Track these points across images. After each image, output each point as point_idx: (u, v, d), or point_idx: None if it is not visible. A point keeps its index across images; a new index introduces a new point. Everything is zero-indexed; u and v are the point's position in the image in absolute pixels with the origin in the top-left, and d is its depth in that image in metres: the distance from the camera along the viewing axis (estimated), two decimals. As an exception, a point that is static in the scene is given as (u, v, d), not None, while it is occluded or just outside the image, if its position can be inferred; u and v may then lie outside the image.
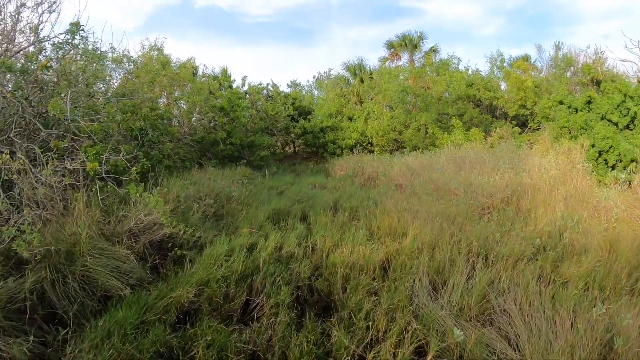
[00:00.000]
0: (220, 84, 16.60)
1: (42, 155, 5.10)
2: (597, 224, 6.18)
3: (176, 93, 13.89)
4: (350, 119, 20.60)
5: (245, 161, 13.43)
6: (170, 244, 5.21)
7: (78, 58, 7.24)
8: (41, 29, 6.61)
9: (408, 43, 25.27)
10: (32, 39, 6.56)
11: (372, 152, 18.27)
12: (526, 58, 23.24)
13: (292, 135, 19.77)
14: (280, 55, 61.46)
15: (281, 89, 19.96)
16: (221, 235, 5.58)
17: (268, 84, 19.09)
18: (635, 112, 13.38)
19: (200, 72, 18.71)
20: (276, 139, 18.55)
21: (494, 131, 16.55)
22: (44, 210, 4.82)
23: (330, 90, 22.80)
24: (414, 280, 4.26)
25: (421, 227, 5.72)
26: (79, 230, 4.43)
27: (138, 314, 3.59)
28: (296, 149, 22.44)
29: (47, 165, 4.90)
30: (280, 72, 67.31)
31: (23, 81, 5.85)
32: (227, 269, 4.35)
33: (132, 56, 11.67)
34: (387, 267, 4.85)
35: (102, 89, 8.48)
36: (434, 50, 25.12)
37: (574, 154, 10.12)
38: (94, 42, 7.86)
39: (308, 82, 28.88)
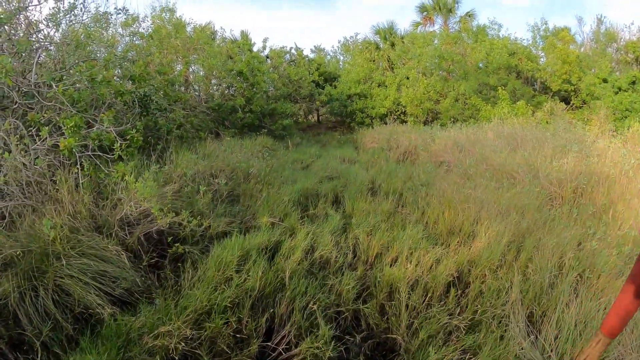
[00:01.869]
0: (239, 48, 15.31)
1: (26, 132, 4.22)
2: None
3: (194, 58, 12.75)
4: (380, 85, 18.95)
5: (266, 130, 12.30)
6: (170, 238, 4.04)
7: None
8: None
9: (442, 6, 23.43)
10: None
11: (405, 122, 16.71)
12: (566, 29, 21.24)
13: (317, 103, 18.42)
14: (302, 23, 59.71)
15: (304, 54, 18.66)
16: (235, 225, 4.42)
17: (291, 48, 17.83)
18: None
19: (219, 37, 17.53)
20: (299, 106, 17.31)
21: (543, 106, 14.95)
22: (25, 198, 3.77)
23: (358, 55, 21.05)
24: (507, 314, 3.00)
25: (491, 224, 4.40)
26: (57, 222, 3.41)
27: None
28: (320, 118, 21.17)
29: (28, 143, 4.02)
30: (301, 38, 65.59)
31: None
32: (239, 290, 3.14)
33: (139, 15, 10.49)
34: (456, 283, 3.59)
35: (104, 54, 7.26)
36: (469, 16, 23.21)
37: None
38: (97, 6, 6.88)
39: (333, 47, 27.33)
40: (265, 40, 16.71)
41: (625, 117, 13.73)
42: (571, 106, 16.80)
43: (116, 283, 3.30)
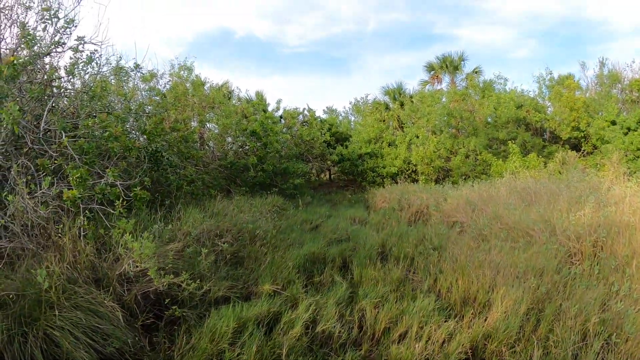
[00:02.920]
0: (254, 108, 15.63)
1: (35, 175, 4.33)
2: None
3: (209, 116, 13.03)
4: (391, 144, 19.05)
5: (277, 189, 12.22)
6: (168, 299, 3.88)
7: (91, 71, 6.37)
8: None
9: (449, 65, 24.08)
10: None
11: (416, 181, 16.62)
12: (570, 76, 21.43)
13: (329, 162, 18.46)
14: (316, 83, 62.07)
15: (317, 115, 18.98)
16: (236, 289, 4.25)
17: (304, 109, 18.23)
18: None
19: (235, 96, 17.98)
20: (311, 165, 17.38)
21: (554, 156, 14.84)
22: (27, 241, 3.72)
23: (369, 115, 21.31)
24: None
25: (508, 291, 4.14)
26: (54, 270, 3.34)
27: None
28: (332, 176, 21.20)
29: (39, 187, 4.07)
30: (315, 100, 68.00)
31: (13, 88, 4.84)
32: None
33: (157, 71, 10.79)
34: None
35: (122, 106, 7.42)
36: (476, 72, 23.79)
37: None
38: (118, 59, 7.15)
39: (344, 108, 27.87)
40: (279, 102, 17.11)
41: (638, 157, 13.76)
42: (582, 153, 16.73)
43: (107, 341, 3.19)
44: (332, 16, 64.64)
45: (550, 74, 20.43)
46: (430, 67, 25.27)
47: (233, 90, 18.53)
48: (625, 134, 14.69)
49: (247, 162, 11.68)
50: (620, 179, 9.63)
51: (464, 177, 15.10)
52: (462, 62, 24.14)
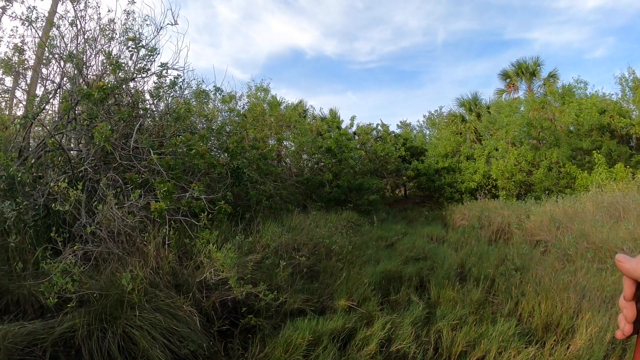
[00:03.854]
0: (328, 125, 15.91)
1: (123, 187, 4.72)
2: None
3: (286, 134, 13.46)
4: (469, 158, 18.56)
5: (352, 205, 12.31)
6: (245, 308, 4.03)
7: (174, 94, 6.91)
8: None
9: (524, 71, 23.09)
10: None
11: (497, 196, 16.02)
12: None
13: (404, 177, 18.32)
14: (387, 98, 62.38)
15: (390, 129, 18.94)
16: (312, 303, 4.32)
17: (377, 125, 18.27)
18: None
19: (309, 114, 18.39)
20: (386, 181, 17.29)
21: None
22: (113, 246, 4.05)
23: (444, 128, 21.05)
24: None
25: (593, 317, 3.91)
26: (137, 274, 3.59)
27: None
28: (407, 192, 20.94)
29: (126, 199, 4.46)
30: (388, 115, 67.88)
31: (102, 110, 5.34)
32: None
33: (235, 93, 11.35)
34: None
35: (204, 126, 7.90)
36: (553, 77, 22.54)
37: None
38: (199, 82, 7.73)
39: (418, 122, 27.61)
40: (352, 118, 17.33)
41: None
42: None
43: (183, 343, 3.34)
44: (400, 30, 64.68)
45: (634, 73, 18.64)
46: (505, 75, 24.37)
47: (307, 109, 19.00)
48: None
49: (323, 178, 11.93)
50: None
51: (547, 191, 14.34)
52: (538, 67, 23.01)
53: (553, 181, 15.23)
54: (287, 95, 62.36)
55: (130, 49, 6.16)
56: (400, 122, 26.84)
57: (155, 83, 6.45)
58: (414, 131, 25.60)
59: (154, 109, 6.65)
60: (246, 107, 12.89)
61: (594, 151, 14.85)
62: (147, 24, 7.73)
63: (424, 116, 26.13)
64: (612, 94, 19.19)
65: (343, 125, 17.81)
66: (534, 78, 23.17)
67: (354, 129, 17.57)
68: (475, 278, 5.67)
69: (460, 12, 63.78)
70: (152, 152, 4.94)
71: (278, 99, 15.03)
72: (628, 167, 14.13)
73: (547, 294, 4.61)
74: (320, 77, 68.19)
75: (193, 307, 3.71)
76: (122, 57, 6.32)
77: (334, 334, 3.75)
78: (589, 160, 15.21)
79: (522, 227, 9.20)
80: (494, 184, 16.91)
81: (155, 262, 4.03)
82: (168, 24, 6.29)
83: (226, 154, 6.88)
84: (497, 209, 11.40)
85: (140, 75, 6.26)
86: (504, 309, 4.63)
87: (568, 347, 3.59)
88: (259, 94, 14.43)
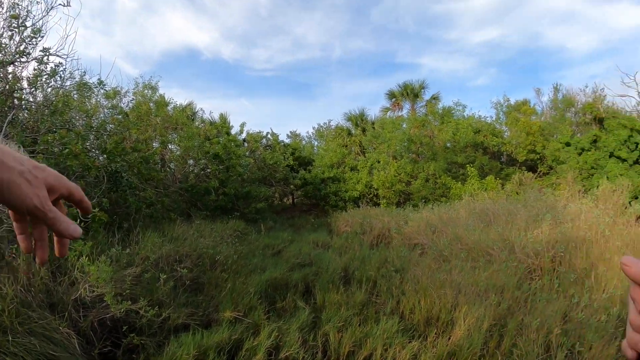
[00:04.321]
0: (217, 130, 15.49)
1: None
2: None
3: (172, 137, 12.82)
4: (353, 169, 19.30)
5: (239, 214, 12.07)
6: (126, 326, 3.73)
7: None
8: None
9: (409, 92, 24.77)
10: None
11: (378, 204, 16.71)
12: (526, 102, 22.53)
13: (291, 186, 18.43)
14: (280, 107, 62.82)
15: (280, 138, 19.02)
16: (197, 317, 4.13)
17: (267, 133, 18.18)
18: None
19: (198, 117, 17.85)
20: (274, 190, 17.30)
21: (512, 177, 15.46)
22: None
23: (331, 141, 21.70)
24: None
25: (470, 310, 4.19)
26: (7, 292, 3.18)
27: None
28: (295, 200, 21.14)
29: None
30: (280, 124, 68.68)
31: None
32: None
33: (121, 88, 10.63)
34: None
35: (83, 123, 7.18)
36: (435, 99, 24.59)
37: (615, 196, 9.10)
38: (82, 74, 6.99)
39: (308, 133, 28.06)
40: (242, 125, 16.95)
41: (592, 175, 14.49)
42: (538, 173, 17.43)
43: None
44: (299, 42, 65.85)
45: (508, 100, 21.62)
46: (391, 95, 25.88)
47: (197, 112, 18.36)
48: (580, 154, 15.55)
49: (209, 186, 11.51)
50: (575, 197, 10.05)
51: (424, 200, 15.33)
52: (423, 90, 24.93)
53: (430, 191, 16.34)
54: (178, 95, 60.33)
55: (12, 27, 5.47)
56: (290, 132, 27.10)
57: (35, 70, 5.77)
58: (303, 142, 25.95)
59: (31, 100, 5.96)
60: (131, 104, 12.10)
61: (467, 165, 16.38)
62: (37, 2, 6.81)
63: (314, 128, 26.71)
64: (488, 117, 21.93)
65: (233, 132, 17.40)
66: (417, 99, 24.96)
67: (243, 135, 17.31)
68: (359, 280, 5.84)
69: (359, 32, 66.68)
70: (22, 149, 4.41)
71: (166, 98, 14.22)
72: (498, 179, 15.78)
73: (425, 292, 4.85)
74: (214, 80, 66.99)
75: (70, 328, 3.37)
76: (4, 36, 5.58)
77: (220, 346, 3.61)
78: (462, 173, 16.67)
79: (401, 232, 9.61)
80: (376, 193, 17.63)
81: (27, 278, 3.59)
82: (60, 4, 5.67)
83: (104, 156, 6.39)
84: (378, 216, 11.81)
85: (19, 60, 5.59)
86: (386, 308, 4.79)
87: (449, 338, 3.80)
88: (146, 91, 13.55)
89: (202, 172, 12.67)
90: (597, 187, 10.36)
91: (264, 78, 66.34)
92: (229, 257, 6.37)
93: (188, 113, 16.00)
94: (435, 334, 3.99)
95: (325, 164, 19.37)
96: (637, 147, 14.48)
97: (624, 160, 14.58)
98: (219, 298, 4.87)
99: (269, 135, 18.19)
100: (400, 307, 4.83)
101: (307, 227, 13.19)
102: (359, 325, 4.16)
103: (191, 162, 12.72)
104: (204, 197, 11.61)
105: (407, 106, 25.50)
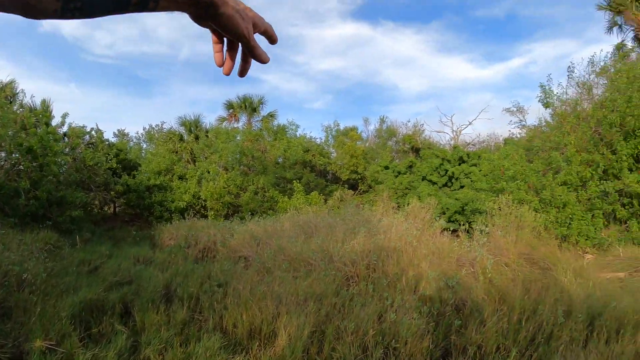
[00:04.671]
0: (37, 119, 13.57)
1: None
2: (473, 278, 6.47)
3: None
4: (181, 178, 18.68)
5: (51, 222, 10.94)
6: None
7: None
8: None
9: (248, 105, 25.27)
10: None
11: (206, 216, 16.49)
12: (354, 129, 25.04)
13: (113, 193, 16.81)
14: (113, 101, 57.73)
15: (106, 136, 17.61)
16: (6, 348, 3.80)
17: (92, 129, 16.61)
18: (452, 173, 17.33)
19: (18, 101, 15.61)
20: (93, 195, 15.73)
21: (333, 194, 16.97)
22: None
23: (162, 145, 20.76)
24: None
25: (290, 319, 4.47)
26: None
27: None
28: (117, 209, 19.65)
29: None
30: (109, 120, 63.66)
31: None
32: None
33: None
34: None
35: None
36: (271, 115, 25.49)
37: (423, 212, 10.40)
38: None
39: (137, 134, 26.36)
40: (64, 116, 14.91)
41: (406, 194, 16.79)
42: (359, 191, 19.91)
43: None
44: (147, 33, 61.33)
45: (338, 125, 24.36)
46: (229, 105, 26.04)
47: (18, 93, 16.02)
48: (396, 176, 18.25)
49: (19, 186, 10.26)
50: (389, 212, 11.35)
51: (251, 212, 15.69)
52: (261, 105, 25.79)
53: (258, 203, 16.84)
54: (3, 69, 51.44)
55: None
56: (119, 130, 25.27)
57: None
58: (131, 143, 24.42)
59: None
60: None
61: (295, 180, 17.39)
62: None
63: (144, 129, 24.97)
64: (318, 138, 24.08)
65: (54, 123, 15.09)
66: (255, 113, 25.54)
67: (65, 128, 15.18)
68: (180, 298, 5.72)
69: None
70: None
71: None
72: (322, 194, 17.18)
73: (246, 305, 4.96)
74: (48, 57, 58.49)
75: None
76: None
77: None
78: (290, 188, 17.61)
79: (226, 245, 9.73)
80: (204, 205, 17.41)
81: None
82: None
83: None
84: (204, 228, 11.71)
85: None
86: (209, 325, 4.81)
87: (272, 349, 4.03)
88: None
89: (13, 168, 11.19)
90: (408, 204, 11.78)
91: (101, 65, 59.70)
92: (37, 276, 5.75)
93: (8, 93, 14.04)
94: (258, 345, 4.17)
95: (152, 170, 18.45)
96: (446, 173, 17.58)
97: (434, 183, 17.53)
98: (29, 325, 4.39)
99: (93, 132, 16.69)
100: (224, 322, 4.88)
101: (128, 240, 12.44)
102: (181, 345, 4.12)
103: (3, 154, 11.20)
104: (12, 200, 10.32)
105: (243, 119, 25.98)
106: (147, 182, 17.53)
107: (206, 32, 0.93)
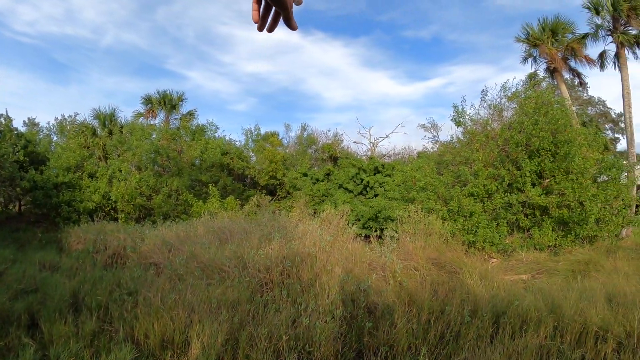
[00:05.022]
0: None
1: None
2: (384, 281, 6.75)
3: None
4: (91, 176, 17.71)
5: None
6: None
7: None
8: None
9: (167, 102, 24.39)
10: None
11: (116, 219, 15.85)
12: (275, 134, 25.18)
13: (18, 189, 15.71)
14: (28, 85, 52.98)
15: (15, 124, 16.29)
16: None
17: (1, 115, 15.36)
18: (367, 182, 18.13)
19: None
20: (-4, 192, 14.50)
21: (250, 199, 16.88)
22: None
23: (73, 138, 19.57)
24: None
25: (203, 327, 4.41)
26: None
27: None
28: (22, 208, 18.22)
29: None
30: (21, 106, 58.38)
31: None
32: None
33: None
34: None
35: None
36: (191, 114, 24.76)
37: (337, 219, 10.77)
38: None
39: (49, 124, 24.50)
40: None
41: (323, 201, 17.40)
42: (277, 197, 20.02)
43: None
44: (73, 14, 56.64)
45: (259, 129, 24.24)
46: (148, 100, 24.94)
47: None
48: (314, 183, 18.69)
49: None
50: (305, 218, 11.60)
51: (164, 216, 15.27)
52: (181, 102, 24.81)
53: (171, 207, 16.42)
54: None
55: None
56: (29, 119, 23.43)
57: None
58: (41, 134, 22.80)
59: None
60: None
61: (210, 184, 17.12)
62: None
63: (57, 119, 23.08)
64: (237, 141, 23.77)
65: None
66: (174, 111, 24.68)
67: None
68: (89, 307, 5.48)
69: (138, 26, 61.36)
70: None
71: None
72: (239, 199, 17.11)
73: (157, 314, 4.84)
74: None
75: None
76: None
77: None
78: (205, 191, 17.32)
79: (137, 250, 9.37)
80: (114, 206, 16.69)
81: None
82: None
83: None
84: (114, 232, 11.23)
85: None
86: (119, 336, 4.65)
87: (186, 359, 4.00)
88: None
89: None
90: (323, 211, 12.08)
91: (19, 44, 54.79)
92: None
93: None
94: (171, 356, 4.12)
95: (61, 166, 17.37)
96: (362, 182, 18.40)
97: (350, 191, 18.28)
98: None
99: (2, 119, 15.44)
100: (135, 332, 4.72)
101: (34, 244, 11.70)
102: (91, 358, 4.01)
103: None
104: None
105: (162, 116, 24.94)
106: (56, 179, 16.45)
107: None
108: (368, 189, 18.36)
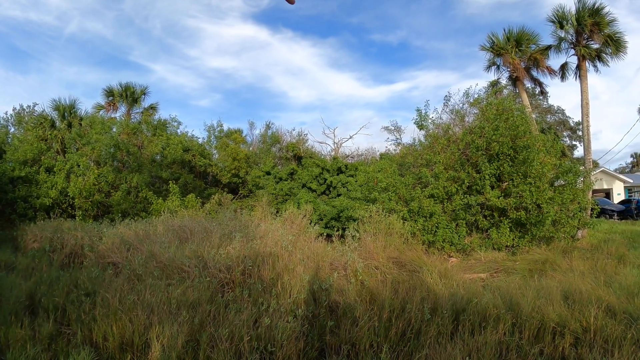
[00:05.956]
0: None
1: None
2: (345, 280, 6.83)
3: None
4: (48, 170, 17.10)
5: None
6: None
7: None
8: None
9: (129, 95, 23.90)
10: None
11: (74, 216, 15.41)
12: (239, 131, 24.99)
13: None
14: None
15: None
16: None
17: None
18: (331, 182, 18.38)
19: None
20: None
21: (212, 197, 16.74)
22: None
23: (31, 130, 18.91)
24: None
25: (163, 329, 4.39)
26: None
27: None
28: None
29: None
30: None
31: None
32: None
33: None
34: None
35: None
36: (153, 108, 24.37)
37: (299, 219, 10.91)
38: None
39: (6, 114, 23.49)
40: None
41: (286, 201, 17.35)
42: (239, 196, 19.89)
43: None
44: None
45: (222, 126, 23.97)
46: (109, 92, 24.38)
47: None
48: (277, 182, 18.68)
49: None
50: (268, 218, 11.65)
51: (123, 214, 14.94)
52: (144, 96, 24.40)
53: (130, 204, 16.09)
54: None
55: None
56: None
57: None
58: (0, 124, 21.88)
59: None
60: None
61: (171, 181, 16.83)
62: None
63: (14, 109, 22.14)
64: (200, 138, 23.40)
65: None
66: (136, 104, 24.20)
67: None
68: (46, 309, 5.38)
69: (104, 15, 59.17)
70: None
71: None
72: (200, 198, 16.87)
73: (116, 316, 4.79)
74: None
75: None
76: None
77: None
78: (166, 189, 17.00)
79: (95, 249, 9.16)
80: (71, 203, 16.22)
81: None
82: None
83: None
84: (71, 230, 10.93)
85: None
86: (77, 339, 4.59)
87: None
88: None
89: None
90: (286, 210, 12.12)
91: None
92: None
93: None
94: (131, 359, 4.10)
95: (17, 159, 16.75)
96: (325, 182, 18.62)
97: (313, 190, 18.42)
98: None
99: None
100: (93, 335, 4.66)
101: (-12, 243, 11.15)
102: None
103: None
104: None
105: (123, 109, 24.40)
106: (12, 172, 15.89)
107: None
108: (331, 189, 18.57)
